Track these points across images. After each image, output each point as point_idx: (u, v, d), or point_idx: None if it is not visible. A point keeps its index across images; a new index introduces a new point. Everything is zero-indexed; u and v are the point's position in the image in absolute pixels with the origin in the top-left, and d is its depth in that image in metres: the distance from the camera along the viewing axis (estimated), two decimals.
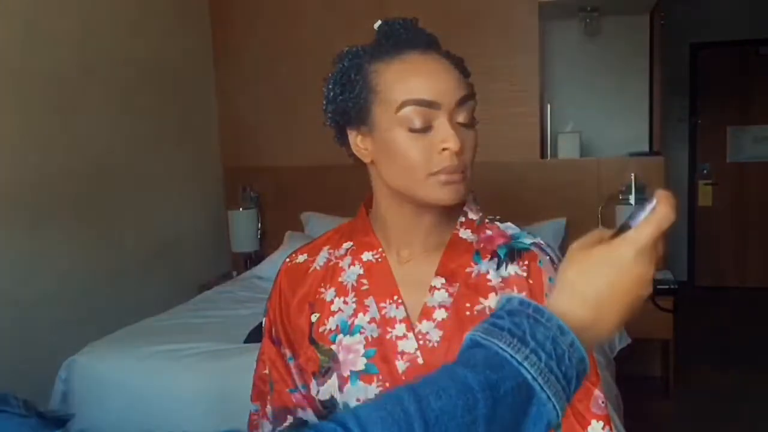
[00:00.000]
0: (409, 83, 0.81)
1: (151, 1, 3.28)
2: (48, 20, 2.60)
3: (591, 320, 0.55)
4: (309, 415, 0.91)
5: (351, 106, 0.85)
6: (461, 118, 0.81)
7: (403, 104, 0.80)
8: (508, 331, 0.52)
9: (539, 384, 0.50)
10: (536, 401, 0.50)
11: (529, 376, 0.50)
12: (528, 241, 0.89)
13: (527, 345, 0.51)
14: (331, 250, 0.95)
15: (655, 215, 0.56)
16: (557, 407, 0.51)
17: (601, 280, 0.56)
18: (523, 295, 0.52)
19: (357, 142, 0.87)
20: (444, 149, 0.79)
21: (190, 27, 3.67)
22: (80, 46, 2.78)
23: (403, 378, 0.82)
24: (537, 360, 0.50)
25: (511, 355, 0.50)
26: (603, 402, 0.83)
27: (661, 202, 0.56)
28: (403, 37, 0.85)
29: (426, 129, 0.80)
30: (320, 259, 0.95)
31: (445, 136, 0.79)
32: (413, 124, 0.80)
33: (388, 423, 0.46)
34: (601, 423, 0.82)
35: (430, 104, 0.79)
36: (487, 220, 0.93)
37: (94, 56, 2.86)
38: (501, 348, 0.51)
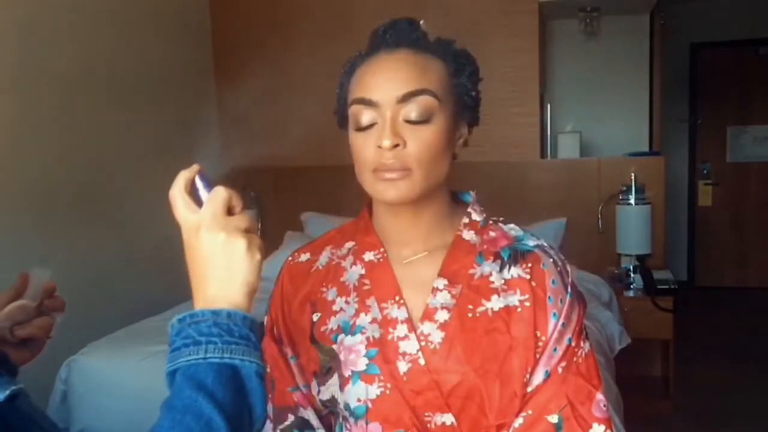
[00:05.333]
0: (359, 83, 0.84)
1: (152, 3, 3.28)
2: (49, 22, 2.60)
3: (221, 290, 0.66)
4: (310, 414, 0.90)
5: (340, 109, 0.89)
6: (412, 114, 0.81)
7: (351, 103, 0.84)
8: (184, 346, 0.62)
9: (228, 358, 0.62)
10: (240, 369, 0.62)
11: (218, 360, 0.61)
12: (531, 243, 0.89)
13: (200, 343, 0.62)
14: (334, 250, 0.95)
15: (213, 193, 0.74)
16: (252, 360, 0.63)
17: (205, 258, 0.70)
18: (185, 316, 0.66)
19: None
20: (379, 146, 0.80)
21: (191, 28, 3.66)
22: (80, 46, 2.78)
23: (405, 379, 0.82)
24: (214, 345, 0.62)
25: (195, 360, 0.61)
26: (605, 405, 0.83)
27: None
28: (379, 39, 0.85)
29: (370, 127, 0.82)
30: (323, 259, 0.95)
31: (379, 134, 0.80)
32: (358, 123, 0.83)
33: None
34: (603, 427, 0.82)
35: (369, 102, 0.81)
36: (490, 222, 0.93)
37: (95, 57, 2.86)
38: (186, 361, 0.62)
